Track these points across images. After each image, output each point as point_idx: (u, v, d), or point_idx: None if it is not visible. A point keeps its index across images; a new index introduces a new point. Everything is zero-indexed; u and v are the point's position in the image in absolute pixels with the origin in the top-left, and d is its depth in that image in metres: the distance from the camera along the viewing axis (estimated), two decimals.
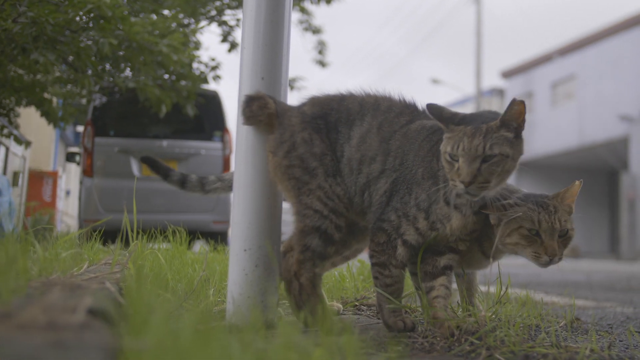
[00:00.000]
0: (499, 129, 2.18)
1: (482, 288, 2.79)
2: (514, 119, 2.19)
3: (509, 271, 2.80)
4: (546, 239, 2.27)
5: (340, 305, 2.97)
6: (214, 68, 11.70)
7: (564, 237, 2.32)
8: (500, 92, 38.30)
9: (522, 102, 2.18)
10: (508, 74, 36.51)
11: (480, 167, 2.15)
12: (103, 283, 2.08)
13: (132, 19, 8.45)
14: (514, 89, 35.70)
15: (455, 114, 2.31)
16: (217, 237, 9.63)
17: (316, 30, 14.47)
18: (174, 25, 10.94)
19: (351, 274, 3.70)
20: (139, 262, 2.77)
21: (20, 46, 7.63)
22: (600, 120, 28.93)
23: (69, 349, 1.04)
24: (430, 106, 2.33)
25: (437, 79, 33.32)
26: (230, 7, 12.93)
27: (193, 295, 2.63)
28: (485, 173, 2.15)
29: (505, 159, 2.17)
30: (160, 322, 1.23)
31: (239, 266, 2.56)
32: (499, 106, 37.76)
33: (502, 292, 2.63)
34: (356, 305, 3.28)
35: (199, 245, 6.15)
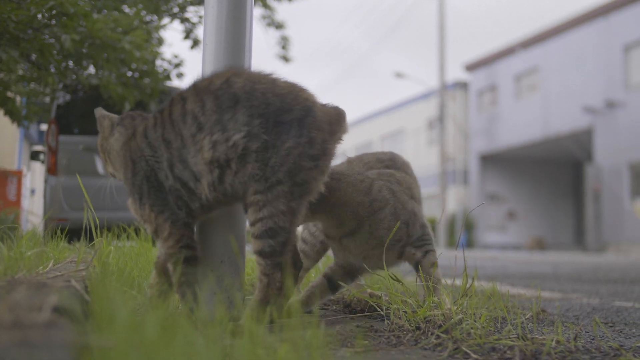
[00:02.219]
0: None
1: (448, 281, 2.84)
2: None
3: (477, 264, 2.86)
4: None
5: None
6: (177, 65, 11.64)
7: None
8: (464, 85, 38.66)
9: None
10: (472, 67, 36.85)
11: None
12: (69, 281, 2.08)
13: (95, 16, 8.37)
14: (478, 82, 36.06)
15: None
16: None
17: (279, 26, 14.43)
18: (136, 22, 10.86)
19: (317, 269, 3.73)
20: (103, 259, 2.77)
21: None
22: (565, 112, 29.38)
23: (35, 347, 1.06)
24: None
25: (401, 72, 33.49)
26: (192, 4, 12.86)
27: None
28: None
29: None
30: (125, 319, 1.25)
31: (205, 263, 2.58)
32: (463, 99, 38.10)
33: (467, 285, 2.68)
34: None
35: None
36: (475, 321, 2.34)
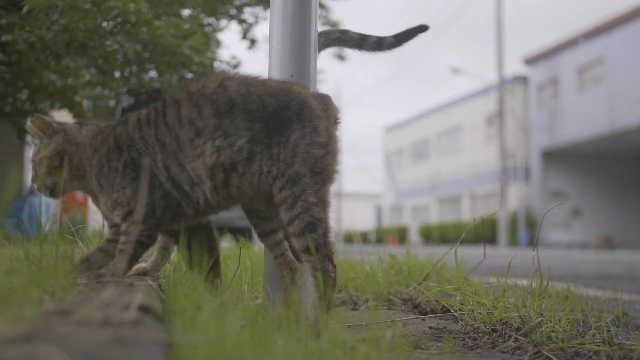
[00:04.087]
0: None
1: (523, 281, 2.76)
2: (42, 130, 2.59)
3: (543, 264, 2.76)
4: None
5: None
6: (235, 66, 11.81)
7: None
8: (523, 80, 37.77)
9: (37, 117, 2.56)
10: (531, 61, 35.99)
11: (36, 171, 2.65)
12: (145, 280, 2.13)
13: (156, 22, 8.55)
14: (538, 76, 35.20)
15: None
16: (243, 233, 9.72)
17: (334, 25, 14.47)
18: (195, 25, 11.05)
19: (382, 268, 3.71)
20: (174, 259, 2.82)
21: (54, 53, 7.80)
22: (633, 104, 28.15)
23: (128, 344, 1.08)
24: None
25: (457, 68, 32.99)
26: (249, 5, 13.00)
27: (229, 291, 2.67)
28: (40, 173, 2.59)
29: (43, 159, 2.57)
30: (209, 318, 1.26)
31: (273, 262, 2.61)
32: (522, 93, 37.26)
33: (542, 286, 2.58)
34: (390, 300, 3.29)
35: (226, 242, 6.18)
36: (555, 324, 2.26)
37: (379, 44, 3.15)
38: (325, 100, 2.54)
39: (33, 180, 2.67)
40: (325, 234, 2.36)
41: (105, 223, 2.76)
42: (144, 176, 2.37)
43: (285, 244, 2.60)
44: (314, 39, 2.81)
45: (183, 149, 2.40)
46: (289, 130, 2.37)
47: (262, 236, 2.64)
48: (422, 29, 3.23)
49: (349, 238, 43.13)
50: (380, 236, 46.23)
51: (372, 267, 3.88)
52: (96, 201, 2.73)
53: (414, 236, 42.85)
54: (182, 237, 2.48)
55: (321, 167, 2.38)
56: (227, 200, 2.44)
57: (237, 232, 9.65)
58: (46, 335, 1.07)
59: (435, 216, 45.19)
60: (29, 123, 2.62)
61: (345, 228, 52.68)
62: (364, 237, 44.74)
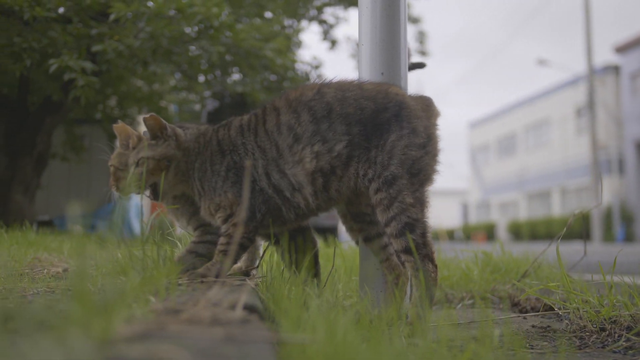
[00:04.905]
0: (147, 140, 2.63)
1: (627, 279, 2.62)
2: (153, 130, 2.62)
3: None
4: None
5: None
6: (316, 67, 11.88)
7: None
8: (614, 69, 36.14)
9: (153, 116, 2.58)
10: (623, 49, 34.41)
11: (134, 171, 2.59)
12: (243, 280, 2.15)
13: (238, 26, 8.71)
14: (631, 64, 33.62)
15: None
16: (330, 232, 9.75)
17: (415, 20, 14.32)
18: (276, 27, 11.19)
19: (478, 266, 3.62)
20: (266, 258, 2.84)
21: (141, 60, 8.08)
22: None
23: (240, 343, 1.08)
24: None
25: (544, 59, 31.97)
26: (329, 5, 13.04)
27: (324, 290, 2.67)
28: (137, 174, 2.57)
29: (147, 160, 2.57)
30: (315, 316, 1.26)
31: (370, 261, 2.59)
32: (613, 83, 35.68)
33: None
34: (486, 298, 3.20)
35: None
36: None
37: None
38: (425, 101, 2.52)
39: (115, 183, 2.69)
40: (424, 234, 2.34)
41: (178, 225, 2.83)
42: (246, 180, 2.40)
43: (391, 248, 2.58)
44: (403, 36, 2.77)
45: (283, 155, 2.43)
46: (387, 132, 2.36)
47: (367, 240, 2.64)
48: (421, 65, 3.51)
49: (435, 236, 42.50)
50: (467, 233, 45.42)
51: (467, 264, 3.79)
52: (179, 211, 2.79)
53: (502, 233, 41.85)
54: (282, 238, 2.51)
55: (419, 168, 2.36)
56: (327, 202, 2.47)
57: (324, 232, 9.70)
58: (161, 334, 1.09)
59: (523, 212, 43.99)
60: (142, 118, 2.64)
61: (431, 226, 51.93)
62: (451, 235, 44.09)
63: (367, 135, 2.37)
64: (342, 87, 2.47)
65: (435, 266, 2.36)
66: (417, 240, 2.31)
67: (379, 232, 2.59)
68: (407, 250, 2.32)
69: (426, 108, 2.49)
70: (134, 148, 2.75)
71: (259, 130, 2.50)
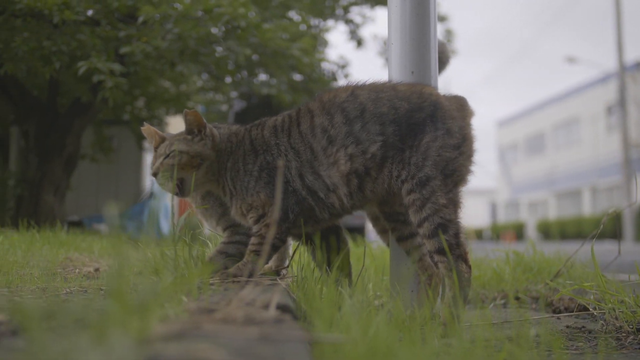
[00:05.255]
0: (182, 134, 2.62)
1: None
2: (191, 125, 2.60)
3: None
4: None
5: None
6: (343, 67, 11.87)
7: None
8: None
9: (193, 111, 2.58)
10: None
11: (162, 162, 2.56)
12: (274, 279, 2.15)
13: (265, 26, 8.73)
14: None
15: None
16: (356, 231, 9.73)
17: (442, 19, 14.23)
18: (302, 26, 11.20)
19: (510, 265, 3.58)
20: (296, 258, 2.84)
21: (169, 61, 8.15)
22: None
23: (275, 342, 1.08)
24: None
25: (573, 57, 31.56)
26: (356, 4, 13.02)
27: (355, 290, 2.66)
28: (165, 165, 2.55)
29: (180, 153, 2.54)
30: (349, 316, 1.25)
31: (401, 261, 2.57)
32: None
33: None
34: (518, 298, 3.16)
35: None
36: None
37: None
38: (459, 101, 2.51)
39: (154, 173, 2.63)
40: (457, 234, 2.33)
41: (207, 225, 2.83)
42: (279, 180, 2.40)
43: (424, 249, 2.57)
44: (433, 35, 2.75)
45: (317, 157, 2.43)
46: (422, 132, 2.35)
47: (400, 240, 2.63)
48: None
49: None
50: (496, 233, 45.04)
51: (498, 264, 3.75)
52: (208, 212, 2.79)
53: (531, 232, 41.41)
54: (315, 237, 2.50)
55: (453, 169, 2.35)
56: (362, 202, 2.47)
57: (352, 231, 9.69)
58: (196, 333, 1.09)
59: (553, 211, 43.46)
60: (184, 113, 2.61)
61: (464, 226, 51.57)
62: (479, 234, 43.73)
63: (401, 136, 2.36)
64: (376, 89, 2.46)
65: (469, 267, 2.34)
66: (450, 241, 2.30)
67: (412, 232, 2.58)
68: (440, 251, 2.31)
69: (460, 108, 2.47)
70: (156, 148, 2.77)
71: (292, 132, 2.49)
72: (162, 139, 2.68)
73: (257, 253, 2.42)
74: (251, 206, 2.48)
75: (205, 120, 2.58)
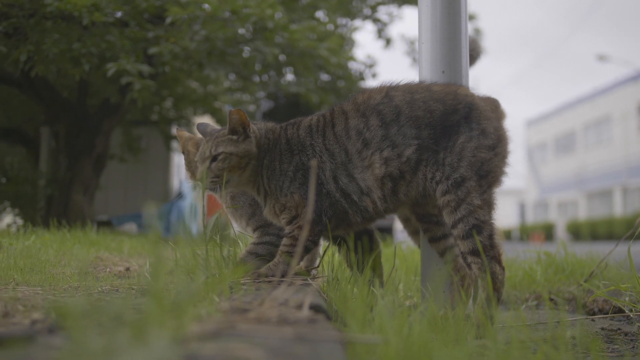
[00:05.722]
0: (225, 135, 2.52)
1: None
2: (236, 125, 2.51)
3: None
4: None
5: None
6: (370, 66, 11.85)
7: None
8: None
9: (239, 110, 2.48)
10: None
11: (210, 166, 2.48)
12: (306, 280, 2.14)
13: (292, 26, 8.75)
14: None
15: (214, 130, 2.64)
16: (385, 232, 9.69)
17: (471, 17, 14.14)
18: (330, 26, 11.20)
19: (542, 266, 3.53)
20: (327, 259, 2.83)
21: (197, 62, 8.20)
22: None
23: (310, 342, 1.07)
24: (198, 125, 2.73)
25: (604, 55, 31.13)
26: (383, 4, 12.99)
27: (386, 290, 2.64)
28: (214, 170, 2.47)
29: (229, 156, 2.46)
30: (383, 317, 1.24)
31: (432, 262, 2.56)
32: None
33: None
34: (551, 299, 3.12)
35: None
36: None
37: None
38: (494, 103, 2.49)
39: (200, 177, 2.50)
40: (491, 235, 2.32)
41: (237, 226, 2.82)
42: (312, 181, 2.38)
43: (457, 250, 2.55)
44: (464, 34, 2.72)
45: (352, 160, 2.40)
46: (456, 134, 2.33)
47: (432, 241, 2.61)
48: None
49: None
50: (525, 233, 44.55)
51: (530, 265, 3.70)
52: (238, 212, 2.78)
53: (560, 233, 40.92)
54: (348, 238, 2.49)
55: (487, 169, 2.34)
56: (395, 205, 2.45)
57: (381, 232, 9.66)
58: (231, 332, 1.09)
59: (583, 212, 42.88)
60: (228, 112, 2.52)
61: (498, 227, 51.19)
62: (508, 235, 43.31)
63: (436, 138, 2.34)
64: (410, 90, 2.44)
65: (503, 268, 2.32)
66: (485, 242, 2.28)
67: (445, 233, 2.56)
68: (474, 252, 2.29)
69: (494, 109, 2.45)
70: (183, 152, 2.75)
71: (327, 133, 2.47)
72: (197, 145, 2.69)
73: (289, 254, 2.41)
74: (284, 207, 2.47)
75: (248, 119, 2.52)
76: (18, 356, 0.97)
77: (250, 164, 2.50)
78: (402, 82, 2.51)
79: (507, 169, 2.41)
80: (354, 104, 2.48)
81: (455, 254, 2.56)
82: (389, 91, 2.45)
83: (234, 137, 2.50)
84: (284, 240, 2.47)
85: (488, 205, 2.33)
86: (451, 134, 2.33)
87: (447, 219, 2.33)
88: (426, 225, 2.59)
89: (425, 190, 2.37)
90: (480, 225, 2.29)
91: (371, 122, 2.39)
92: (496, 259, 2.31)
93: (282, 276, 2.30)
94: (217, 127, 2.67)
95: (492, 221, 2.34)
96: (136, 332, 0.88)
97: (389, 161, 2.35)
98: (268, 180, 2.50)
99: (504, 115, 2.49)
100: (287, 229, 2.47)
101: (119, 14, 7.82)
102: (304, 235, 2.35)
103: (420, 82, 2.52)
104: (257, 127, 2.59)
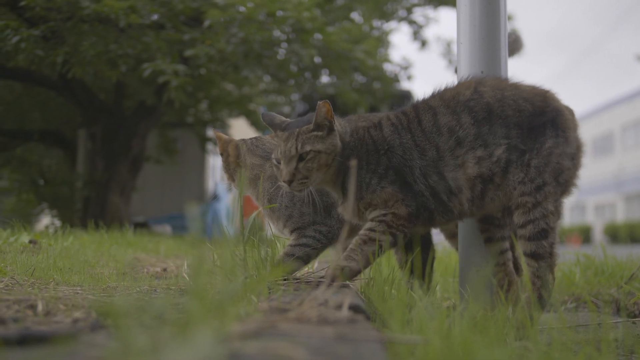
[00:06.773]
0: (310, 131, 2.37)
1: None
2: (323, 119, 2.37)
3: None
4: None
5: None
6: (406, 68, 11.79)
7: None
8: None
9: (327, 103, 2.34)
10: None
11: (297, 166, 2.34)
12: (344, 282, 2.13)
13: (329, 29, 8.76)
14: None
15: (284, 121, 2.50)
16: None
17: (508, 18, 13.98)
18: (366, 28, 11.19)
19: (581, 268, 3.47)
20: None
21: (232, 64, 8.25)
22: None
23: (351, 342, 1.07)
24: (264, 115, 2.59)
25: None
26: (419, 5, 12.93)
27: (425, 292, 2.63)
28: (303, 170, 2.34)
29: (318, 154, 2.34)
30: (423, 317, 1.23)
31: (471, 264, 2.54)
32: None
33: None
34: (590, 302, 3.06)
35: None
36: None
37: None
38: (571, 112, 2.45)
39: (290, 180, 2.36)
40: (553, 244, 2.31)
41: (274, 227, 2.81)
42: (409, 176, 2.35)
43: (509, 255, 2.54)
44: (503, 34, 2.69)
45: (443, 157, 2.34)
46: (542, 136, 2.31)
47: (488, 241, 2.58)
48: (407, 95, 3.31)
49: None
50: (561, 236, 43.91)
51: (569, 267, 3.65)
52: (275, 214, 2.77)
53: (598, 236, 40.19)
54: (400, 239, 2.40)
55: (566, 178, 2.33)
56: (478, 209, 2.40)
57: None
58: (272, 332, 1.09)
59: (621, 214, 42.08)
60: (318, 105, 2.36)
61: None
62: None
63: (523, 138, 2.31)
64: (499, 86, 2.39)
65: (554, 278, 2.31)
66: (546, 249, 2.28)
67: (504, 235, 2.53)
68: (534, 255, 2.28)
69: (572, 118, 2.42)
70: (221, 154, 2.75)
71: (414, 130, 2.40)
72: (237, 148, 2.71)
73: (374, 241, 2.30)
74: (370, 204, 2.37)
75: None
76: (64, 354, 0.98)
77: (335, 160, 2.39)
78: (489, 77, 2.47)
79: (577, 180, 2.39)
80: (441, 99, 2.41)
81: (506, 258, 2.53)
82: (477, 86, 2.39)
83: (320, 133, 2.38)
84: (370, 224, 2.35)
85: (558, 213, 2.32)
86: (537, 136, 2.30)
87: (518, 218, 2.30)
88: (485, 226, 2.55)
89: (512, 196, 2.32)
90: (547, 230, 2.27)
91: (463, 119, 2.34)
92: (551, 268, 2.30)
93: (366, 262, 2.24)
94: (282, 118, 2.52)
95: (557, 230, 2.32)
96: (180, 331, 0.89)
97: (482, 160, 2.30)
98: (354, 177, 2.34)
99: (578, 125, 2.45)
100: (376, 214, 2.35)
101: (155, 17, 7.92)
102: (399, 220, 2.29)
103: (506, 79, 2.48)
104: (338, 121, 2.47)
